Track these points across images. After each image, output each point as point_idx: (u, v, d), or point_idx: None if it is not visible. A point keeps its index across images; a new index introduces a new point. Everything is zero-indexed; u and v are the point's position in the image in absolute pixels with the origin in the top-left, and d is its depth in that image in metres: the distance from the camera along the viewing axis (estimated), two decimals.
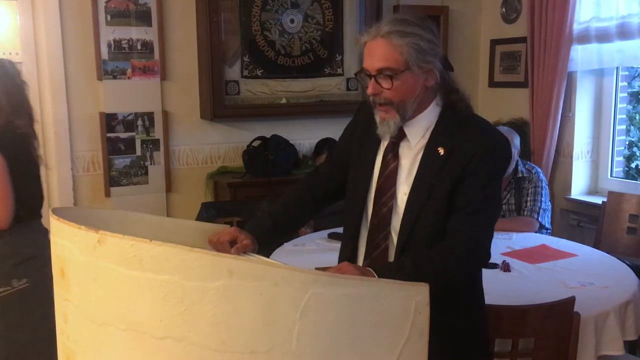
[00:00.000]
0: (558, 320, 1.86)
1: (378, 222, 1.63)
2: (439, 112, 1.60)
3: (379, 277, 1.35)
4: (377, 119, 1.60)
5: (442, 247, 1.52)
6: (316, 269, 1.73)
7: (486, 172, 1.53)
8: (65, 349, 1.19)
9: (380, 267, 1.48)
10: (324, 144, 4.10)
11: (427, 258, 1.48)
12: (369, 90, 1.56)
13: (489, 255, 1.58)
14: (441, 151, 1.55)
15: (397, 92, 1.53)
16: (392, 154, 1.63)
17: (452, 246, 1.52)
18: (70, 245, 1.11)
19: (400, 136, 1.62)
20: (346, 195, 1.76)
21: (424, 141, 1.59)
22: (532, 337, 1.86)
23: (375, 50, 1.53)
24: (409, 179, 1.59)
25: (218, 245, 1.60)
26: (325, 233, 2.97)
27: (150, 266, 1.01)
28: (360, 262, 1.67)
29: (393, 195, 1.60)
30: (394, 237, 1.60)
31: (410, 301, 1.12)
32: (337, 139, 1.93)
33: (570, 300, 1.86)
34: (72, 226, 1.09)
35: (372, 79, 1.54)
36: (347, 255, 1.70)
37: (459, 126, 1.57)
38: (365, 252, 1.66)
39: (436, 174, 1.54)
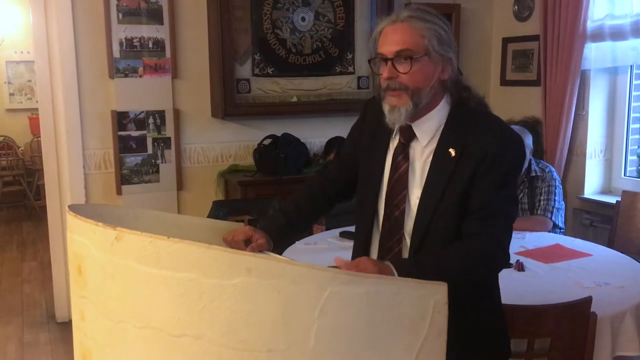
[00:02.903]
0: (574, 321, 1.84)
1: (390, 226, 1.60)
2: (448, 111, 1.56)
3: (398, 272, 1.33)
4: (386, 107, 1.52)
5: (463, 249, 1.48)
6: (328, 267, 1.72)
7: (501, 172, 1.49)
8: (81, 346, 1.18)
9: (398, 260, 1.46)
10: (334, 143, 4.09)
11: (447, 260, 1.45)
12: (385, 74, 1.49)
13: (508, 257, 1.54)
14: (452, 152, 1.50)
15: (414, 78, 1.47)
16: (403, 155, 1.58)
17: (473, 249, 1.48)
18: (87, 242, 1.10)
19: (410, 137, 1.57)
20: (357, 197, 1.73)
21: (435, 142, 1.55)
22: (548, 337, 1.84)
23: (394, 34, 1.48)
24: (421, 182, 1.55)
25: (233, 244, 1.59)
26: (337, 232, 2.96)
27: (168, 263, 1.01)
28: None
29: (405, 199, 1.57)
30: (408, 240, 1.57)
31: (429, 300, 1.11)
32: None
33: (587, 300, 1.84)
34: (90, 223, 1.08)
35: (389, 63, 1.48)
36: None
37: (469, 125, 1.52)
38: (377, 256, 1.63)
39: (448, 176, 1.50)
